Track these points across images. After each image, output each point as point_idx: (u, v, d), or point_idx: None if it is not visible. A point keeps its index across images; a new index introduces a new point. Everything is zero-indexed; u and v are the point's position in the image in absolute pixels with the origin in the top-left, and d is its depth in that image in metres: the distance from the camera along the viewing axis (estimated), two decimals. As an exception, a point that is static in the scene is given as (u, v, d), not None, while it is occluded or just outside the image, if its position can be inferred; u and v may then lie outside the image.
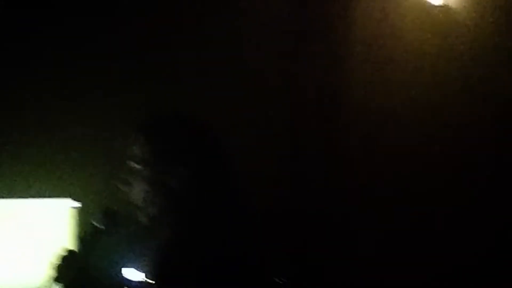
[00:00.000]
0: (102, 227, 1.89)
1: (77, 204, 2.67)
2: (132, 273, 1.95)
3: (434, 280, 3.78)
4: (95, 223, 1.89)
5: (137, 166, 1.84)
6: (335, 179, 3.99)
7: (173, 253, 1.78)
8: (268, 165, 3.72)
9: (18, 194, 2.67)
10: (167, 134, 1.85)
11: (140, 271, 1.93)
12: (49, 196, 2.68)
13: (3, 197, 2.63)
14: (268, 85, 3.80)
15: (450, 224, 3.89)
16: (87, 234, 1.89)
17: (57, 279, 1.84)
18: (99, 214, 1.90)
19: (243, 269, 1.78)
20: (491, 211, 3.79)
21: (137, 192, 1.85)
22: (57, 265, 1.85)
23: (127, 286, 1.88)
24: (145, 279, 1.83)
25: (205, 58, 3.56)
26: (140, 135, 1.85)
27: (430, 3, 3.86)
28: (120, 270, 1.88)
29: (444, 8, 3.85)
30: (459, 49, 3.85)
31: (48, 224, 2.61)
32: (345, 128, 4.05)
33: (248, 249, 1.82)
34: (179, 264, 1.74)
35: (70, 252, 1.86)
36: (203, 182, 1.82)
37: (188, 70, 3.48)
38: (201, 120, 1.92)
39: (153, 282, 1.79)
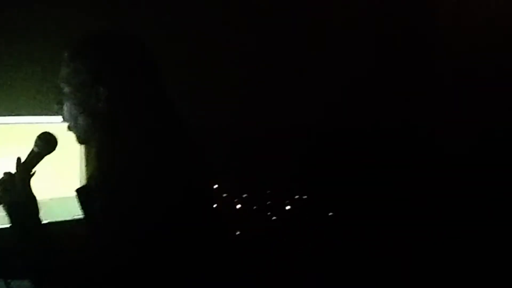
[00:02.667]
0: (39, 150, 1.90)
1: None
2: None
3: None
4: (33, 147, 1.91)
5: (66, 87, 1.83)
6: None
7: (103, 171, 1.77)
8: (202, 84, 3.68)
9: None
10: (90, 55, 1.82)
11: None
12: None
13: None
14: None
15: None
16: (27, 157, 1.91)
17: None
18: (36, 138, 1.91)
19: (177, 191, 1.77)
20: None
21: (67, 113, 1.85)
22: None
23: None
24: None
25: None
26: (67, 57, 1.84)
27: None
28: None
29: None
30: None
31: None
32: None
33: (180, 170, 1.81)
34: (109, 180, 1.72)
35: (9, 174, 1.88)
36: (129, 102, 1.80)
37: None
38: (130, 42, 1.88)
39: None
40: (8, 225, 1.85)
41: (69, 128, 1.86)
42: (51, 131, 1.93)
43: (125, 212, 1.64)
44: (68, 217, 2.19)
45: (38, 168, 1.91)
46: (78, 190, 1.78)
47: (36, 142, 1.91)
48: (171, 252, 1.68)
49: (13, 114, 2.50)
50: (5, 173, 1.88)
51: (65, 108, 1.85)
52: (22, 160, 1.89)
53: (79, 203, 1.76)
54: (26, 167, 1.88)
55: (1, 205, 1.86)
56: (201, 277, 1.75)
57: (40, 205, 1.88)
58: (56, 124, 1.99)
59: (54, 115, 1.96)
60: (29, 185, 1.88)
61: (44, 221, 1.86)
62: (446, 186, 4.01)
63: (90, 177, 1.76)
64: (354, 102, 4.23)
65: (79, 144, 1.87)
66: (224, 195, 5.13)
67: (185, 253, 1.72)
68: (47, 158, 1.93)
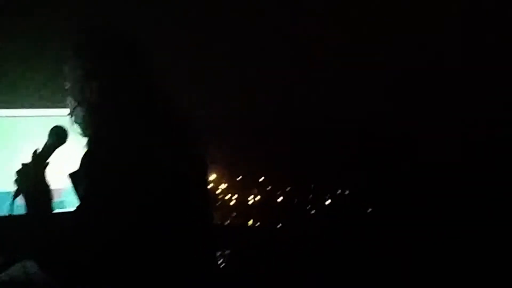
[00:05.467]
0: (51, 143, 2.04)
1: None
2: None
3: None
4: (46, 140, 2.05)
5: (66, 83, 1.97)
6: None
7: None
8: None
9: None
10: (84, 53, 1.95)
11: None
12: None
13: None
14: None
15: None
16: (42, 149, 2.05)
17: (16, 192, 2.02)
18: (48, 131, 2.05)
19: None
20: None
21: (69, 107, 1.98)
22: (15, 176, 2.03)
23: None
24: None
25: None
26: (66, 56, 1.97)
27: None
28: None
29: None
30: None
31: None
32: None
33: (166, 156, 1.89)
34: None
35: (26, 165, 2.03)
36: (118, 94, 1.91)
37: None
38: (121, 39, 1.99)
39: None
40: (24, 212, 2.00)
41: (72, 121, 2.00)
42: (62, 125, 2.06)
43: (103, 197, 1.75)
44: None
45: (52, 159, 2.06)
46: (70, 175, 1.91)
47: (48, 135, 2.05)
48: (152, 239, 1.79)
49: (32, 107, 2.66)
50: (22, 164, 2.03)
51: (67, 102, 1.99)
52: (38, 151, 2.04)
53: (72, 186, 1.90)
54: (40, 158, 2.03)
55: (20, 193, 2.01)
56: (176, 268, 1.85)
57: (53, 194, 2.02)
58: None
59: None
60: (43, 175, 2.02)
61: (57, 210, 2.00)
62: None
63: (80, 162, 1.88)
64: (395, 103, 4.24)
65: (82, 136, 1.99)
66: (268, 187, 5.24)
67: (166, 241, 1.82)
68: (61, 150, 2.08)
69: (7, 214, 2.10)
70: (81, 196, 1.82)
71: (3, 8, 3.11)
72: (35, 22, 3.21)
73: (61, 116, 2.31)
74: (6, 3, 3.15)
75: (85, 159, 1.82)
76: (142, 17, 3.53)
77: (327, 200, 4.54)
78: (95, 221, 1.75)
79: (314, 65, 4.02)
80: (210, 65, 3.91)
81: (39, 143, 2.06)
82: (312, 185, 4.78)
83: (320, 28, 4.05)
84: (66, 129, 2.06)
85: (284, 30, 3.90)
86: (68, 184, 1.95)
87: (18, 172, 2.02)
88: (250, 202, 4.90)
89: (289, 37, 3.90)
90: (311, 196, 4.75)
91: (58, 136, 2.05)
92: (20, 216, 2.19)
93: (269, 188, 4.92)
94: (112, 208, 1.75)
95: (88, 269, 1.77)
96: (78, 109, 1.95)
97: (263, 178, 5.17)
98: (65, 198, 2.27)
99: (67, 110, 2.03)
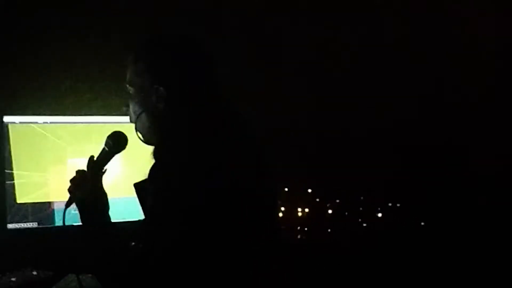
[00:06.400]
0: (109, 149, 1.96)
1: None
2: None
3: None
4: (104, 146, 1.97)
5: (130, 88, 1.88)
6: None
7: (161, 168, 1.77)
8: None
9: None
10: (151, 57, 1.86)
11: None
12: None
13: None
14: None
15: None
16: (98, 156, 1.97)
17: (71, 199, 1.95)
18: (107, 137, 1.98)
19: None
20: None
21: (131, 113, 1.90)
22: (70, 184, 1.96)
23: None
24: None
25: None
26: (130, 60, 1.88)
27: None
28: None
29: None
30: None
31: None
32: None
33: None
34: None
35: (81, 172, 1.95)
36: (187, 102, 1.82)
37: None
38: (189, 43, 1.90)
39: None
40: (79, 222, 1.92)
41: (135, 128, 1.91)
42: (121, 131, 1.98)
43: (173, 209, 1.66)
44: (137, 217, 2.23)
45: (109, 167, 1.98)
46: (135, 185, 1.83)
47: (106, 141, 1.97)
48: (223, 250, 1.69)
49: (87, 114, 2.60)
50: (78, 171, 1.96)
51: (130, 108, 1.90)
52: (94, 158, 1.96)
53: (137, 197, 1.82)
54: (97, 165, 1.95)
55: (76, 201, 1.94)
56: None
57: (110, 203, 1.94)
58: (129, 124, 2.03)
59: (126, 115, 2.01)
60: (100, 183, 1.94)
61: (113, 219, 1.92)
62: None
63: (148, 173, 1.79)
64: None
65: (143, 143, 1.90)
66: (317, 199, 5.11)
67: (237, 253, 1.72)
68: (118, 157, 2.00)
69: (60, 224, 2.04)
70: (148, 209, 1.74)
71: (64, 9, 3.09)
72: (99, 24, 3.16)
73: (119, 122, 2.25)
74: (68, 5, 3.12)
75: (155, 170, 1.73)
76: (211, 24, 3.46)
77: (378, 213, 4.39)
78: (162, 236, 1.66)
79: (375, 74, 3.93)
80: (277, 74, 3.85)
81: (96, 150, 1.99)
82: (362, 197, 4.64)
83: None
84: (124, 136, 1.99)
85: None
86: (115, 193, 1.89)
87: (73, 180, 1.95)
88: (298, 215, 4.79)
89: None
90: (361, 208, 4.61)
91: (116, 143, 1.97)
92: (73, 226, 2.14)
93: (317, 200, 4.80)
94: (181, 224, 1.65)
95: (149, 283, 1.68)
96: (143, 116, 1.86)
97: (310, 190, 5.05)
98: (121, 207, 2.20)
99: (126, 117, 1.95)
